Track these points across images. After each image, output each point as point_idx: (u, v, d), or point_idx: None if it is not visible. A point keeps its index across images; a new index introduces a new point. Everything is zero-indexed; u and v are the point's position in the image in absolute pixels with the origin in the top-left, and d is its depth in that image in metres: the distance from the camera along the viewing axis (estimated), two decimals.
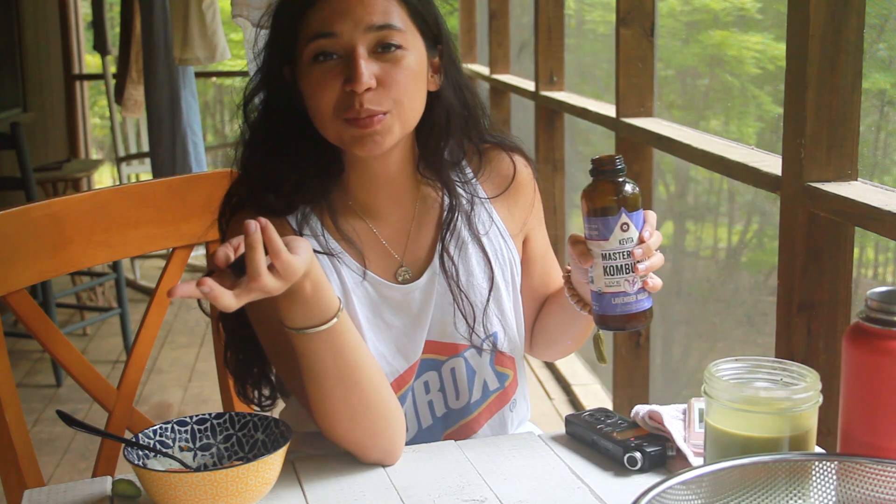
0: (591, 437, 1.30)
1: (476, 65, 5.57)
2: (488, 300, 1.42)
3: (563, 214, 3.96)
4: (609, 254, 1.22)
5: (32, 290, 4.06)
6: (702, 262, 4.72)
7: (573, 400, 3.74)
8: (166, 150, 4.40)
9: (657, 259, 1.25)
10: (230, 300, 1.08)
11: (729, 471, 1.05)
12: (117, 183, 5.97)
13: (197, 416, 1.25)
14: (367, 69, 1.27)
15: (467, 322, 1.40)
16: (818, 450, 1.15)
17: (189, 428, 1.24)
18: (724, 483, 1.04)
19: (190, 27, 4.01)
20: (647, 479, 1.22)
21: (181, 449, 1.23)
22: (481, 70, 5.27)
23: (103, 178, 8.49)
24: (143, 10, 4.40)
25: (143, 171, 6.08)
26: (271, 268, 1.10)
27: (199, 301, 1.46)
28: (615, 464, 1.26)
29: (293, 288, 1.14)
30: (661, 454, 1.25)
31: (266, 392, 1.44)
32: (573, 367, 3.96)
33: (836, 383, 1.13)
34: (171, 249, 1.63)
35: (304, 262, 1.12)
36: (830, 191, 1.73)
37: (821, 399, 1.11)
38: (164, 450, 1.21)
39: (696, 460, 1.23)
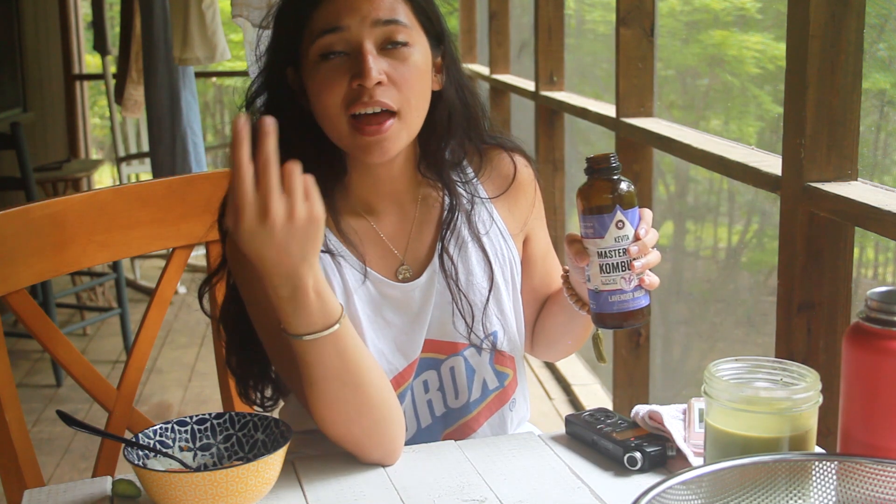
0: (591, 437, 1.30)
1: (476, 65, 5.57)
2: (488, 299, 1.42)
3: (563, 214, 3.97)
4: (605, 251, 1.22)
5: (32, 290, 4.06)
6: (702, 262, 4.73)
7: (573, 400, 3.74)
8: (166, 150, 4.40)
9: (654, 256, 1.25)
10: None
11: (729, 471, 1.05)
12: (117, 183, 5.97)
13: (197, 416, 1.25)
14: (376, 64, 1.27)
15: (466, 321, 1.40)
16: (818, 450, 1.15)
17: (189, 428, 1.24)
18: (724, 483, 1.04)
19: (190, 27, 4.01)
20: (647, 479, 1.22)
21: (181, 449, 1.23)
22: (481, 70, 5.27)
23: (103, 178, 8.49)
24: (143, 10, 4.40)
25: (143, 171, 6.08)
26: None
27: (200, 302, 1.46)
28: (615, 464, 1.26)
29: (297, 294, 1.14)
30: (661, 454, 1.25)
31: (268, 393, 1.44)
32: (573, 367, 3.96)
33: (836, 383, 1.13)
34: (171, 249, 1.63)
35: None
36: (830, 191, 1.73)
37: (821, 399, 1.11)
38: (164, 450, 1.21)
39: (696, 460, 1.23)
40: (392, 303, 1.39)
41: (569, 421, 1.35)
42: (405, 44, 1.30)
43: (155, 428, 1.23)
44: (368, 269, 1.38)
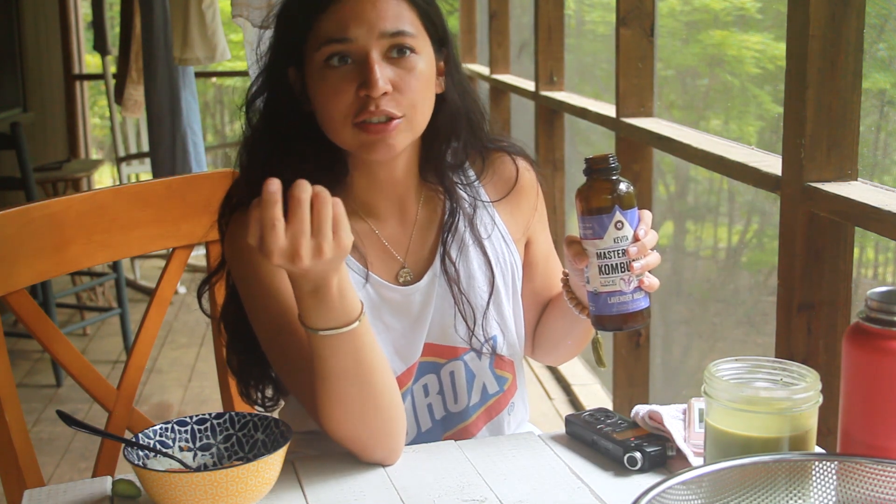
0: (591, 437, 1.30)
1: (476, 65, 5.57)
2: (488, 303, 1.42)
3: (564, 214, 3.97)
4: (604, 252, 1.22)
5: (32, 290, 4.06)
6: (702, 262, 4.73)
7: (573, 400, 3.74)
8: (166, 150, 4.40)
9: (653, 258, 1.24)
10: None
11: (729, 471, 1.05)
12: (117, 183, 5.97)
13: (197, 416, 1.25)
14: (383, 74, 1.27)
15: (467, 325, 1.40)
16: (818, 450, 1.15)
17: (189, 428, 1.24)
18: (724, 483, 1.04)
19: (190, 27, 4.01)
20: (647, 479, 1.22)
21: (181, 449, 1.23)
22: (481, 70, 5.27)
23: (103, 178, 8.49)
24: (143, 10, 4.41)
25: (143, 171, 6.08)
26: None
27: (199, 302, 1.46)
28: (615, 464, 1.26)
29: (320, 291, 1.14)
30: (661, 454, 1.25)
31: (269, 393, 1.44)
32: (573, 367, 3.96)
33: (836, 383, 1.13)
34: (171, 249, 1.63)
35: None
36: (830, 191, 1.73)
37: (821, 399, 1.11)
38: (164, 450, 1.21)
39: (696, 460, 1.23)
40: (392, 306, 1.39)
41: (569, 421, 1.35)
42: (411, 51, 1.30)
43: (155, 428, 1.23)
44: (369, 272, 1.38)
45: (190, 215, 1.62)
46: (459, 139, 1.42)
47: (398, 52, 1.29)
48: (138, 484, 1.20)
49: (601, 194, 1.22)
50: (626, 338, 2.91)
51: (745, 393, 1.10)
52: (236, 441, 1.24)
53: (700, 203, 4.78)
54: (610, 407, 2.52)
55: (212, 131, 9.33)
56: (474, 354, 1.42)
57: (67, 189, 5.13)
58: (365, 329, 1.19)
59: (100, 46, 5.87)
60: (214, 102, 9.54)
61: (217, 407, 1.67)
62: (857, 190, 1.72)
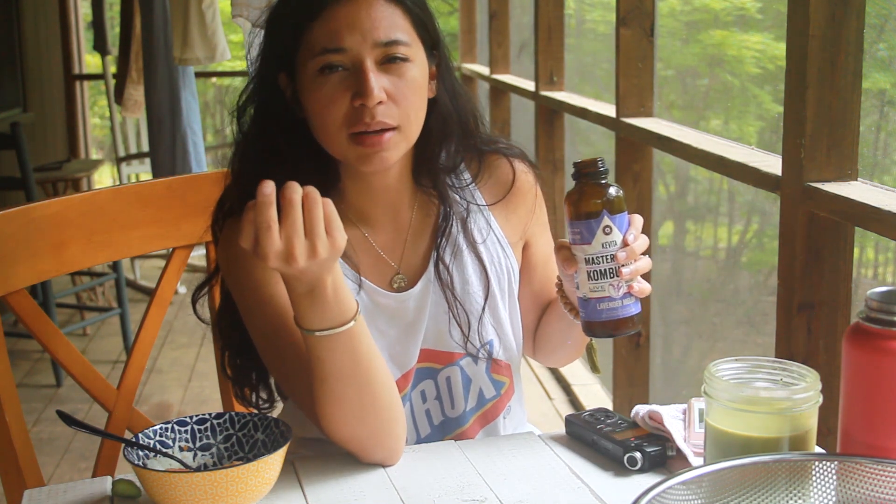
0: (591, 437, 1.30)
1: (476, 65, 5.57)
2: (483, 308, 1.41)
3: (563, 214, 3.96)
4: (592, 258, 1.20)
5: (32, 290, 4.06)
6: (702, 262, 4.73)
7: (573, 400, 3.74)
8: (166, 150, 4.40)
9: (643, 263, 1.22)
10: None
11: (729, 471, 1.05)
12: (117, 183, 5.97)
13: (197, 416, 1.25)
14: (377, 83, 1.26)
15: (462, 330, 1.40)
16: (818, 450, 1.15)
17: (189, 428, 1.24)
18: (724, 483, 1.04)
19: (190, 27, 4.01)
20: (647, 479, 1.22)
21: (181, 449, 1.23)
22: (481, 70, 5.27)
23: (103, 178, 8.49)
24: (143, 10, 4.41)
25: (143, 171, 6.08)
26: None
27: (194, 307, 1.46)
28: (615, 464, 1.26)
29: (315, 292, 1.14)
30: (661, 454, 1.25)
31: (264, 395, 1.44)
32: (573, 367, 3.96)
33: (836, 383, 1.13)
34: (171, 249, 1.63)
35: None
36: (830, 191, 1.73)
37: (821, 399, 1.11)
38: (164, 450, 1.21)
39: (696, 460, 1.23)
40: (386, 312, 1.38)
41: (569, 421, 1.35)
42: (405, 59, 1.29)
43: (155, 428, 1.23)
44: (362, 279, 1.37)
45: (190, 215, 1.62)
46: (452, 142, 1.41)
47: (392, 60, 1.28)
48: (138, 484, 1.20)
49: (589, 199, 1.20)
50: (626, 338, 2.91)
51: (745, 393, 1.10)
52: (236, 441, 1.24)
53: (700, 203, 4.78)
54: (610, 407, 2.52)
55: (212, 131, 9.32)
56: (471, 359, 1.42)
57: (67, 189, 5.13)
58: (361, 328, 1.19)
59: (100, 46, 5.87)
60: (214, 102, 9.53)
61: (217, 407, 1.67)
62: (857, 190, 1.72)
